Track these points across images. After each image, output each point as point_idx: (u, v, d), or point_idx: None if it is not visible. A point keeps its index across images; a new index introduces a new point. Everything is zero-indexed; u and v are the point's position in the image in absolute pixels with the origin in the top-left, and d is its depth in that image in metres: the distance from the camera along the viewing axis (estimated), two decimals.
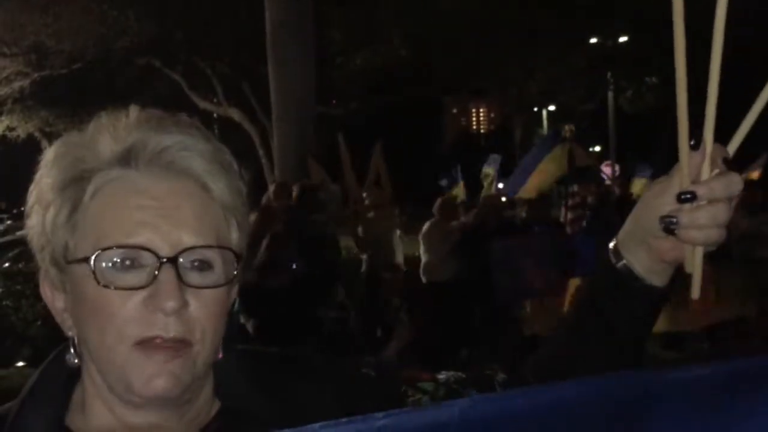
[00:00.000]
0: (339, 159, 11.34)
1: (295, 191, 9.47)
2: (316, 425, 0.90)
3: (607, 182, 18.81)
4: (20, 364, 9.82)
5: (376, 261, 9.94)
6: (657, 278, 1.19)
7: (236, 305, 8.28)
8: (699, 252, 1.13)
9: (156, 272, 1.08)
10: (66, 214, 1.11)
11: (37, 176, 1.15)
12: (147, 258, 1.08)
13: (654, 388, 0.92)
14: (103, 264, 1.08)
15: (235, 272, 1.14)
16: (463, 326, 9.49)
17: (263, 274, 7.49)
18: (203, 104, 22.63)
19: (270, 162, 17.48)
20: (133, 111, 1.15)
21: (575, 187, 14.68)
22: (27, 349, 9.77)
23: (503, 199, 12.33)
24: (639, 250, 1.18)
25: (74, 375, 1.18)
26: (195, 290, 1.09)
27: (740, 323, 10.13)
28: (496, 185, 14.80)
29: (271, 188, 10.68)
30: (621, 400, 0.92)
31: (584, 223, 11.86)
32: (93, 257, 1.08)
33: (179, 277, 1.08)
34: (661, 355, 9.20)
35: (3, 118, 21.92)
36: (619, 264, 1.20)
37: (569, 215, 11.90)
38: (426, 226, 10.38)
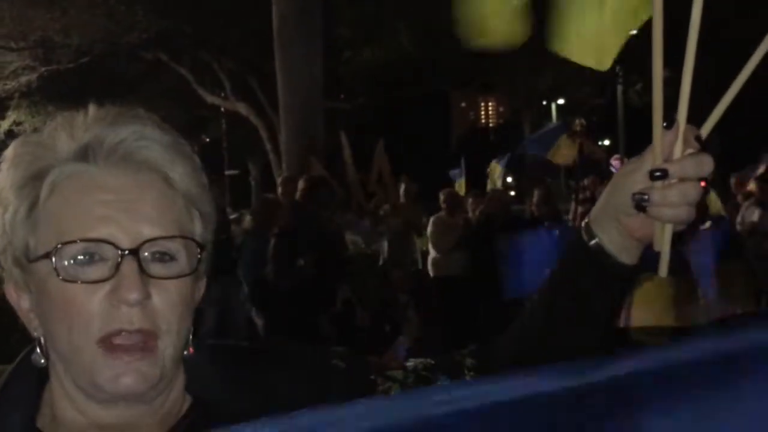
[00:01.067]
0: (340, 153, 11.33)
1: (301, 185, 9.45)
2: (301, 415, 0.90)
3: None
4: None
5: (395, 257, 9.95)
6: (627, 256, 1.20)
7: (243, 298, 8.32)
8: (668, 230, 1.15)
9: (118, 265, 1.07)
10: (24, 213, 1.11)
11: None
12: (108, 251, 1.08)
13: (641, 371, 0.91)
14: (65, 261, 1.08)
15: (199, 263, 1.14)
16: (470, 321, 9.47)
17: (271, 270, 7.46)
18: (211, 99, 22.66)
19: (277, 157, 17.46)
20: (91, 109, 1.15)
21: (585, 182, 14.62)
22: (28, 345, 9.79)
23: (511, 193, 12.31)
24: (610, 228, 1.19)
25: (44, 375, 1.18)
26: (158, 281, 1.09)
27: (747, 318, 10.09)
28: (504, 179, 14.76)
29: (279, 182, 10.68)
30: (613, 385, 0.91)
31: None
32: (54, 253, 1.07)
33: (141, 269, 1.07)
34: None
35: (10, 112, 21.98)
36: (591, 242, 1.21)
37: (579, 209, 11.85)
38: (432, 221, 10.37)
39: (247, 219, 9.12)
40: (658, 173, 1.12)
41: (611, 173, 19.97)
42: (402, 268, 10.21)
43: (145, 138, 1.12)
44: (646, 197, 1.13)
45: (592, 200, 12.82)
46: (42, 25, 18.58)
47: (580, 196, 12.37)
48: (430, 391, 0.90)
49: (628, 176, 1.17)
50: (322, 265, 7.67)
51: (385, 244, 10.61)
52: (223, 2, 18.88)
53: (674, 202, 1.13)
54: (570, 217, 11.86)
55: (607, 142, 35.85)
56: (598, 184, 14.22)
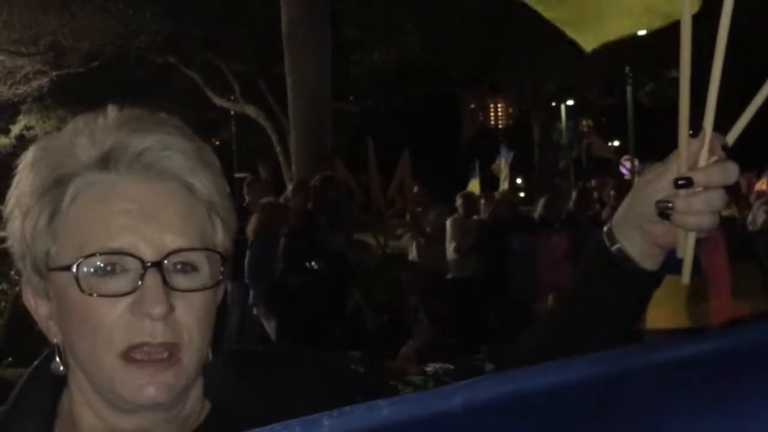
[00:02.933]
0: (364, 157, 11.38)
1: (315, 182, 9.48)
2: (322, 416, 0.88)
3: (627, 177, 18.67)
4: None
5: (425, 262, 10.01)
6: (650, 262, 1.20)
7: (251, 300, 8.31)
8: (692, 237, 1.15)
9: (141, 277, 1.05)
10: (46, 221, 1.09)
11: (15, 180, 1.11)
12: (131, 263, 1.06)
13: (657, 363, 0.90)
14: (86, 269, 1.05)
15: (222, 274, 1.11)
16: (482, 323, 9.46)
17: (282, 273, 7.46)
18: (220, 102, 22.70)
19: (287, 159, 17.48)
20: (111, 112, 1.12)
21: (592, 182, 14.58)
22: (46, 348, 9.75)
23: (521, 194, 12.30)
24: (633, 234, 1.19)
25: (61, 380, 1.16)
26: (181, 294, 1.07)
27: (761, 318, 10.04)
28: (514, 180, 14.72)
29: (290, 186, 10.70)
30: (624, 379, 0.90)
31: (604, 218, 11.76)
32: (75, 265, 1.05)
33: (165, 282, 1.05)
34: None
35: (21, 117, 22.07)
36: (614, 247, 1.21)
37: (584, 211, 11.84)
38: (449, 222, 10.37)
39: (253, 221, 9.13)
40: (682, 181, 1.12)
41: (620, 173, 19.93)
42: (407, 268, 10.22)
43: (169, 147, 1.09)
44: (670, 205, 1.13)
45: (600, 202, 12.83)
46: (52, 29, 18.63)
47: (587, 197, 12.36)
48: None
49: (652, 183, 1.17)
50: (332, 268, 7.67)
51: (414, 249, 10.67)
52: (232, 5, 18.91)
53: (699, 210, 1.12)
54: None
55: (616, 143, 35.77)
56: (606, 184, 14.20)
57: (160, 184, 1.09)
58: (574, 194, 12.20)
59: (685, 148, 1.13)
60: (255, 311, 8.85)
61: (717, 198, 1.12)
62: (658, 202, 1.14)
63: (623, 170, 21.00)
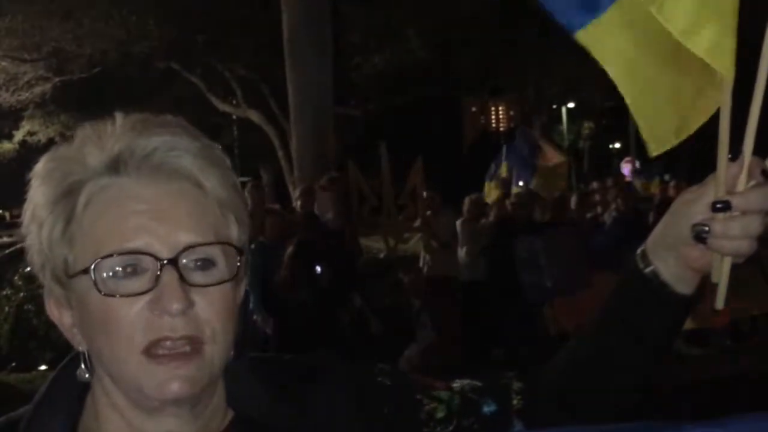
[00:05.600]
0: (372, 161, 11.46)
1: (322, 183, 9.52)
2: None
3: (628, 179, 18.68)
4: (43, 367, 9.89)
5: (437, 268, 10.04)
6: (684, 286, 1.18)
7: (251, 306, 8.33)
8: (727, 262, 1.13)
9: (158, 275, 1.06)
10: (61, 229, 1.10)
11: (29, 194, 1.13)
12: (147, 262, 1.07)
13: None
14: (104, 274, 1.07)
15: (239, 267, 1.13)
16: (490, 326, 9.46)
17: (287, 281, 7.45)
18: (222, 107, 22.72)
19: (289, 163, 17.51)
20: (119, 118, 1.14)
21: (595, 185, 14.58)
22: (49, 353, 9.82)
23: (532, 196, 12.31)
24: (668, 257, 1.17)
25: (85, 386, 1.18)
26: (200, 289, 1.08)
27: (762, 319, 10.05)
28: (516, 183, 14.71)
29: (296, 192, 10.71)
30: None
31: (607, 220, 11.78)
32: (92, 267, 1.06)
33: (182, 278, 1.06)
34: (685, 352, 9.15)
35: (24, 123, 22.09)
36: (647, 270, 1.18)
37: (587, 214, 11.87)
38: (459, 225, 10.37)
39: (256, 225, 9.14)
40: (720, 205, 1.10)
41: (621, 175, 19.93)
42: (409, 272, 10.22)
43: (176, 148, 1.11)
44: (706, 228, 1.11)
45: (602, 204, 12.83)
46: (55, 35, 18.64)
47: (588, 200, 12.38)
48: None
49: (689, 205, 1.15)
50: (337, 276, 7.66)
51: (424, 254, 10.69)
52: (234, 11, 18.93)
53: (736, 235, 1.10)
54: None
55: (617, 145, 35.77)
56: (607, 187, 14.22)
57: (170, 183, 1.10)
58: (574, 197, 12.19)
59: (724, 170, 1.11)
60: (255, 316, 8.87)
61: (755, 223, 1.09)
62: (694, 225, 1.12)
63: (624, 172, 20.99)
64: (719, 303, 1.15)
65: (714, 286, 1.16)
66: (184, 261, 1.07)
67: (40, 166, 1.12)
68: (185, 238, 1.08)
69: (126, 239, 1.07)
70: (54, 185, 1.10)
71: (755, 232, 1.10)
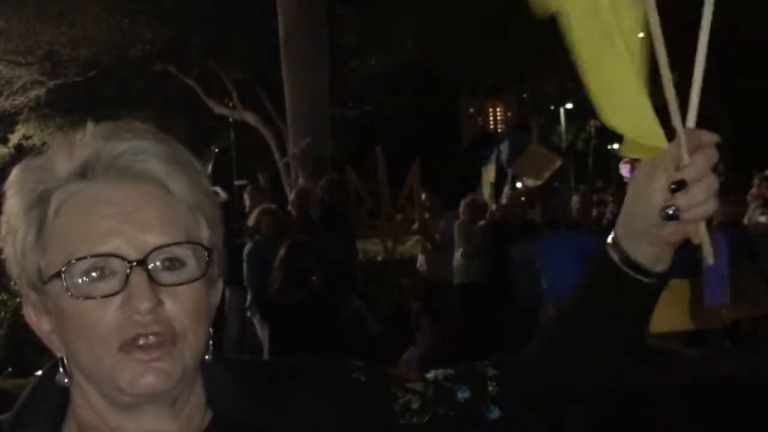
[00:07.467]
0: (369, 164, 11.50)
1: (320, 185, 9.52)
2: None
3: (627, 179, 18.69)
4: (39, 373, 9.84)
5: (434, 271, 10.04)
6: (662, 264, 1.22)
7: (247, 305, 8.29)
8: (702, 224, 1.18)
9: (127, 277, 1.09)
10: (33, 237, 1.14)
11: (5, 205, 1.16)
12: (117, 264, 1.09)
13: None
14: (76, 279, 1.09)
15: (208, 265, 1.14)
16: (487, 328, 9.45)
17: (281, 282, 7.42)
18: (219, 109, 22.71)
19: (286, 166, 17.48)
20: (89, 126, 1.16)
21: (599, 183, 14.55)
22: (46, 358, 9.76)
23: (522, 198, 12.29)
24: (642, 242, 1.20)
25: (66, 392, 1.19)
26: (169, 289, 1.10)
27: (762, 320, 10.06)
28: (513, 184, 14.71)
29: (292, 195, 10.73)
30: None
31: (605, 221, 11.80)
32: (64, 270, 1.09)
33: (150, 278, 1.09)
34: (684, 353, 9.15)
35: (19, 126, 22.07)
36: (624, 259, 1.21)
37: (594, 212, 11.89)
38: (456, 227, 10.37)
39: (253, 225, 9.15)
40: (676, 185, 1.15)
41: (622, 176, 19.94)
42: (407, 274, 10.24)
43: (143, 152, 1.13)
44: (674, 208, 1.15)
45: (604, 204, 12.85)
46: (49, 39, 18.66)
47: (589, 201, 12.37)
48: None
49: (646, 190, 1.18)
50: (332, 278, 7.64)
51: (422, 257, 10.70)
52: (230, 12, 18.93)
53: (701, 201, 1.15)
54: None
55: (616, 146, 35.78)
56: (610, 188, 14.21)
57: (137, 186, 1.13)
58: (575, 198, 12.17)
59: (672, 152, 1.16)
60: (249, 314, 8.88)
61: (712, 182, 1.15)
62: (661, 209, 1.16)
63: (623, 172, 21.03)
64: (709, 259, 1.19)
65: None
66: (155, 262, 1.10)
67: (12, 177, 1.16)
68: (153, 239, 1.10)
69: (95, 243, 1.10)
70: (25, 194, 1.14)
71: (716, 188, 1.15)
